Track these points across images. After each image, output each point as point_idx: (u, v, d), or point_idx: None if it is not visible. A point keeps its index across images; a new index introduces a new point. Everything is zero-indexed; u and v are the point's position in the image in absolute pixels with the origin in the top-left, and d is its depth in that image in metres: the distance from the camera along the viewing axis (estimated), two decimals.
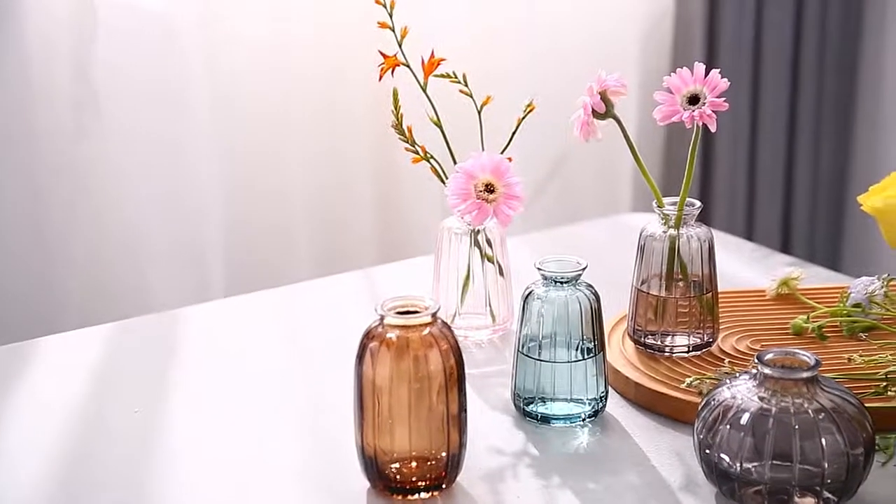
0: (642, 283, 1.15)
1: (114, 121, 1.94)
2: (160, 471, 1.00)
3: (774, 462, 0.89)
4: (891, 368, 1.06)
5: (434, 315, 0.93)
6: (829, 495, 0.90)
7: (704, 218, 2.48)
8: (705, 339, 1.15)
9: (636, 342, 1.16)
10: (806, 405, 0.90)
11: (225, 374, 1.19)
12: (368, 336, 0.93)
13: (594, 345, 1.05)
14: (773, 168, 2.56)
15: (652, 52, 2.38)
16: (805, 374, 0.90)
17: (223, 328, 1.32)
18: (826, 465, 0.89)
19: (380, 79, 1.19)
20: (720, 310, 1.19)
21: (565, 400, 1.05)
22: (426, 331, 0.92)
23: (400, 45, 1.19)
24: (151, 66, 1.96)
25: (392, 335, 0.92)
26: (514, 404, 1.08)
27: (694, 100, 1.08)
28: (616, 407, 1.09)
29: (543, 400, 1.06)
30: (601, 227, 1.72)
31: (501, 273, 1.24)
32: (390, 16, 1.18)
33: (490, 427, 1.06)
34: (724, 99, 1.07)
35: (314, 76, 2.08)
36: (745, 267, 1.49)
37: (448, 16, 2.15)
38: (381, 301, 0.94)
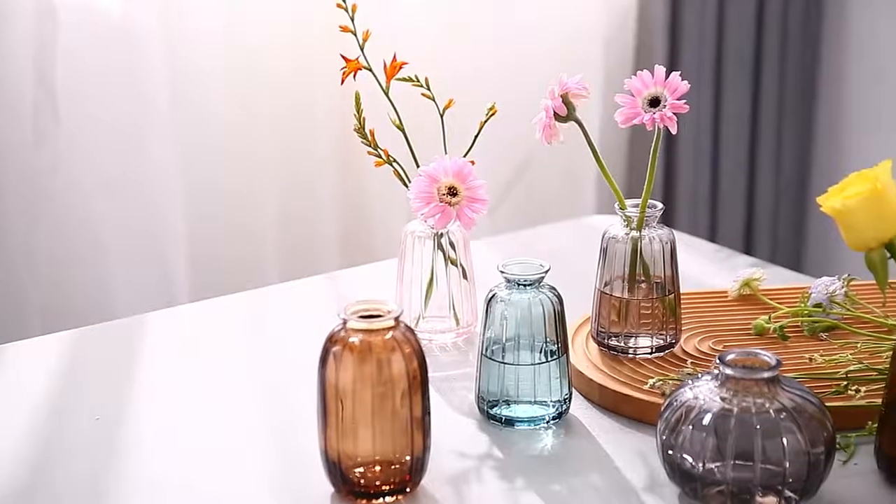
0: (605, 285, 1.15)
1: (74, 124, 1.93)
2: (122, 478, 0.99)
3: (736, 462, 0.90)
4: (851, 368, 1.07)
5: (397, 319, 0.93)
6: (791, 494, 0.90)
7: (667, 220, 2.51)
8: (668, 340, 1.15)
9: (600, 344, 1.16)
10: (767, 405, 0.90)
11: (188, 380, 1.19)
12: (331, 340, 0.93)
13: (557, 347, 1.06)
14: (735, 170, 2.58)
15: (615, 55, 2.39)
16: (766, 375, 0.91)
17: (187, 333, 1.32)
18: (787, 465, 0.89)
19: (342, 82, 1.19)
20: (683, 311, 1.19)
21: (529, 402, 1.06)
22: (389, 334, 0.92)
23: (362, 49, 1.19)
24: (112, 69, 1.95)
25: (355, 339, 0.92)
26: (479, 407, 1.08)
27: (655, 102, 1.09)
28: (580, 409, 1.09)
29: (507, 402, 1.06)
30: (565, 229, 1.73)
31: (465, 276, 1.24)
32: (352, 19, 1.18)
33: (454, 430, 1.06)
34: (684, 101, 1.08)
35: (278, 80, 2.08)
36: (707, 268, 1.50)
37: (411, 19, 2.15)
38: (344, 305, 0.94)
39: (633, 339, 1.15)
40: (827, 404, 0.95)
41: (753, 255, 2.50)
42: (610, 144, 2.41)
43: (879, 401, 0.98)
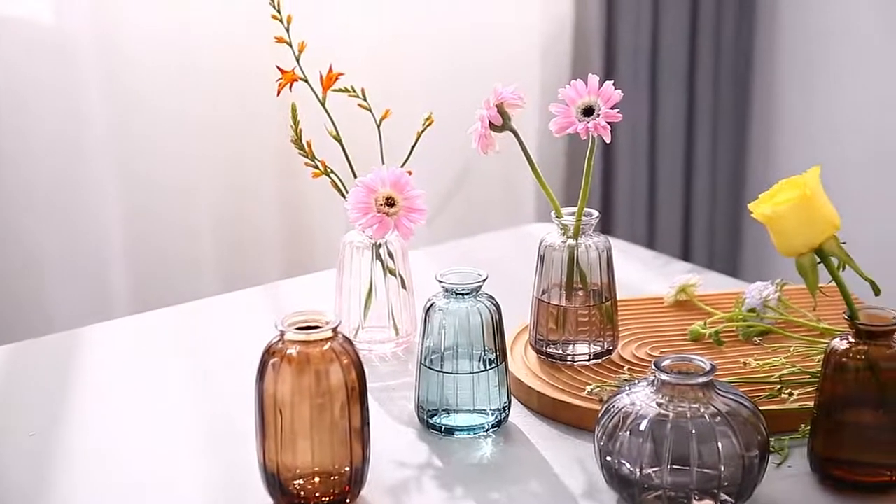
0: (543, 293, 1.16)
1: (6, 136, 1.90)
2: (58, 494, 0.98)
3: (673, 467, 0.91)
4: (784, 371, 1.09)
5: (335, 330, 0.93)
6: (727, 497, 0.92)
7: (606, 227, 2.53)
8: (606, 346, 1.16)
9: (538, 352, 1.17)
10: (702, 409, 0.92)
11: (125, 394, 1.17)
12: (269, 352, 0.93)
13: (496, 355, 1.06)
14: (672, 177, 2.61)
15: (552, 65, 2.41)
16: (701, 380, 0.92)
17: (124, 347, 1.31)
18: (723, 468, 0.90)
19: (277, 94, 1.18)
20: (620, 317, 1.21)
21: (468, 411, 1.06)
22: (327, 346, 0.92)
23: (298, 60, 1.19)
24: (47, 80, 1.93)
25: (292, 351, 0.92)
26: (418, 417, 1.08)
27: (589, 111, 1.10)
28: (519, 417, 1.10)
29: (447, 412, 1.06)
30: (504, 238, 1.74)
31: (404, 286, 1.24)
32: (287, 31, 1.18)
33: (394, 440, 1.06)
34: (618, 110, 1.09)
35: (214, 91, 2.07)
36: (644, 275, 1.51)
37: (348, 31, 2.15)
38: (282, 317, 0.93)
39: (570, 347, 1.15)
40: (761, 408, 0.96)
41: (691, 261, 2.53)
42: (548, 154, 2.42)
43: (812, 403, 0.99)
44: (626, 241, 1.77)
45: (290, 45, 1.18)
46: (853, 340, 0.96)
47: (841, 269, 0.97)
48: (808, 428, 0.99)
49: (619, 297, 1.19)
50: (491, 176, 2.39)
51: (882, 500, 0.95)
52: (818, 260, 0.96)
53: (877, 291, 0.97)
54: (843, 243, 0.97)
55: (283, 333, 0.93)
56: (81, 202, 1.99)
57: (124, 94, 2.00)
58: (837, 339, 0.97)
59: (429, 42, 2.26)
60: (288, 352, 0.92)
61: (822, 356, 0.98)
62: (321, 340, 0.92)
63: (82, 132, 1.96)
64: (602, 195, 2.55)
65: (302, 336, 0.92)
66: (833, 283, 0.98)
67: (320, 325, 0.93)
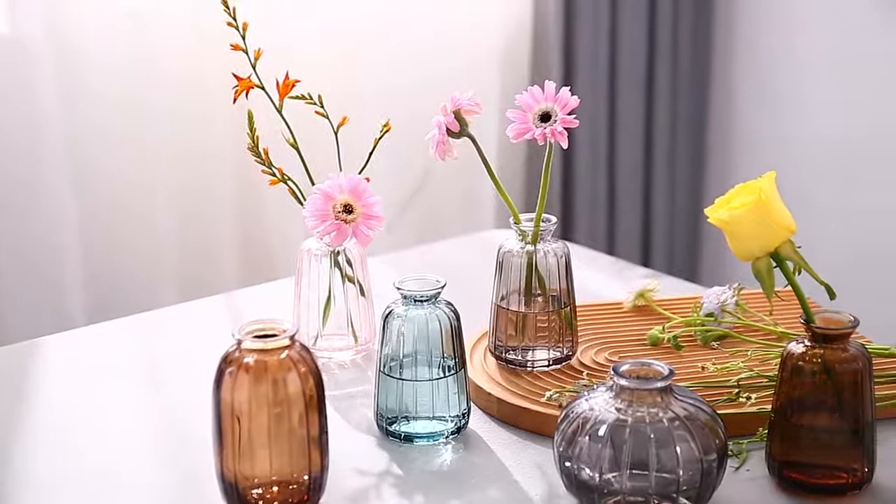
0: (502, 300, 1.16)
1: None
2: None
3: (633, 471, 0.91)
4: (742, 375, 1.09)
5: (292, 338, 0.92)
6: (686, 501, 0.92)
7: (566, 233, 2.54)
8: (565, 352, 1.16)
9: (497, 358, 1.17)
10: (661, 414, 0.92)
11: (83, 405, 1.16)
12: (226, 361, 0.92)
13: (455, 362, 1.06)
14: (631, 183, 2.62)
15: (511, 72, 2.41)
16: (659, 384, 0.92)
17: (81, 357, 1.29)
18: (681, 473, 0.90)
19: (234, 101, 1.18)
20: (579, 323, 1.21)
21: (428, 418, 1.06)
22: (284, 354, 0.92)
23: (254, 67, 1.18)
24: (1, 86, 1.91)
25: (249, 359, 0.91)
26: (378, 424, 1.08)
27: (546, 117, 1.10)
28: (479, 423, 1.10)
29: (407, 419, 1.06)
30: (464, 244, 1.74)
31: (363, 293, 1.24)
32: (243, 38, 1.18)
33: (353, 448, 1.05)
34: (575, 116, 1.09)
35: (172, 100, 2.05)
36: (604, 280, 1.52)
37: (305, 37, 2.14)
38: (239, 325, 0.93)
39: (530, 353, 1.15)
40: (719, 412, 0.97)
41: (651, 266, 2.54)
42: (508, 160, 2.43)
43: (769, 407, 1.00)
44: (586, 247, 1.78)
45: (245, 52, 1.18)
46: (809, 344, 0.97)
47: (797, 273, 0.98)
48: (766, 431, 1.00)
49: (578, 303, 1.19)
50: (451, 182, 2.39)
51: (838, 502, 0.95)
52: (774, 264, 0.97)
53: (832, 295, 0.97)
54: (799, 247, 0.97)
55: (239, 342, 0.92)
56: (37, 210, 1.97)
57: (80, 102, 1.98)
58: (794, 343, 0.98)
59: (388, 49, 2.26)
60: (245, 360, 0.91)
61: (779, 360, 0.99)
62: (278, 349, 0.92)
63: (37, 138, 1.94)
64: (562, 201, 2.56)
65: (259, 344, 0.91)
66: (789, 287, 0.98)
67: (277, 333, 0.92)
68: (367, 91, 2.20)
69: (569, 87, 1.10)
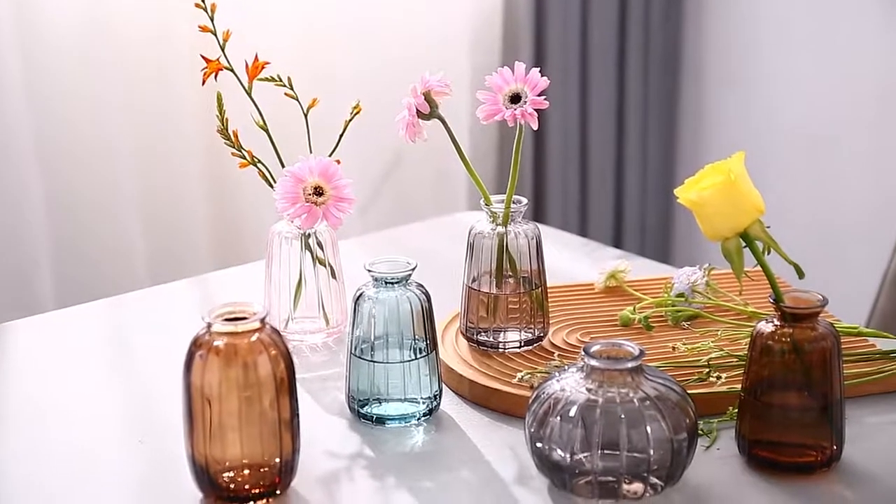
0: (473, 281, 1.16)
1: None
2: None
3: (604, 451, 0.91)
4: (712, 355, 1.10)
5: (262, 321, 0.92)
6: (656, 481, 0.92)
7: (538, 215, 2.54)
8: (536, 333, 1.17)
9: (469, 339, 1.17)
10: (631, 394, 0.92)
11: (53, 389, 1.16)
12: (196, 344, 0.92)
13: (426, 344, 1.06)
14: (603, 165, 2.62)
15: (482, 54, 2.41)
16: (630, 364, 0.93)
17: (51, 341, 1.29)
18: (652, 452, 0.91)
19: (202, 83, 1.17)
20: (551, 304, 1.21)
21: (399, 400, 1.06)
22: (254, 337, 0.91)
23: (223, 49, 1.17)
24: None
25: (219, 342, 0.91)
26: (349, 407, 1.08)
27: (516, 98, 1.10)
28: (450, 405, 1.10)
29: (378, 401, 1.06)
30: (435, 226, 1.73)
31: (334, 276, 1.23)
32: (211, 19, 1.17)
33: (325, 431, 1.05)
34: (545, 97, 1.09)
35: (141, 78, 2.04)
36: (575, 261, 1.52)
37: (275, 19, 2.13)
38: (209, 308, 0.92)
39: (501, 334, 1.16)
40: (690, 391, 0.97)
41: (623, 247, 2.55)
42: (480, 142, 2.42)
43: (739, 387, 1.00)
44: (558, 229, 1.78)
45: (214, 33, 1.17)
46: (779, 323, 0.97)
47: (766, 253, 0.98)
48: (736, 410, 1.00)
49: (549, 284, 1.19)
50: (423, 164, 2.38)
51: (808, 480, 0.96)
52: (744, 244, 0.97)
53: (801, 274, 0.98)
54: (768, 227, 0.98)
55: (209, 325, 0.91)
56: (2, 194, 1.95)
57: (46, 85, 1.96)
58: (763, 323, 0.98)
59: (359, 30, 2.25)
60: (215, 343, 0.91)
61: (749, 339, 0.99)
62: (248, 332, 0.91)
63: (2, 124, 1.92)
64: (534, 183, 2.56)
65: (229, 327, 0.91)
66: (759, 268, 0.98)
67: (247, 316, 0.92)
68: (338, 73, 2.19)
69: (539, 69, 1.10)
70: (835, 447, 0.97)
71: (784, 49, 2.49)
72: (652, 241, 2.73)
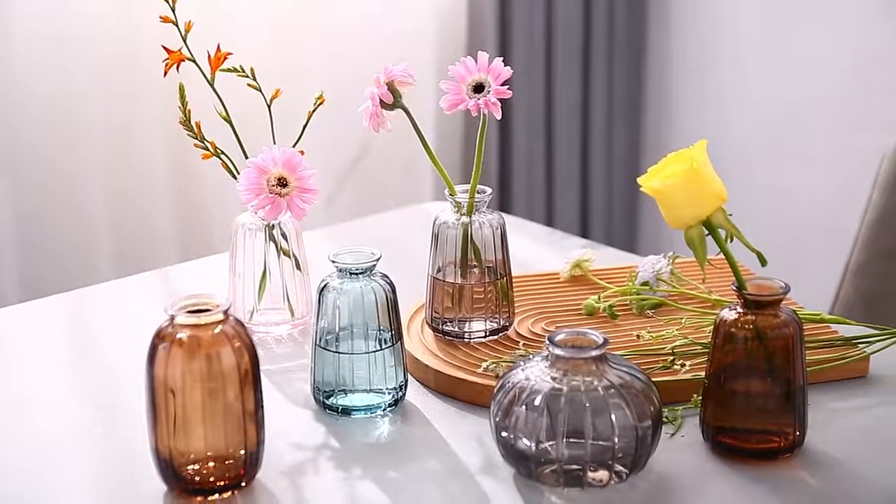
0: (438, 271, 1.16)
1: None
2: None
3: (569, 440, 0.92)
4: (677, 343, 1.10)
5: (226, 313, 0.92)
6: (621, 468, 0.93)
7: (505, 206, 2.54)
8: (502, 323, 1.17)
9: (434, 330, 1.17)
10: (596, 383, 0.92)
11: (16, 382, 1.15)
12: (159, 336, 0.91)
13: (391, 334, 1.06)
14: (568, 155, 2.63)
15: (448, 45, 2.41)
16: (594, 353, 0.93)
17: (14, 335, 1.28)
18: (617, 440, 0.91)
19: (164, 74, 1.16)
20: (516, 294, 1.21)
21: (365, 391, 1.06)
22: (218, 329, 0.91)
23: (184, 40, 1.17)
24: None
25: (182, 335, 0.90)
26: (315, 398, 1.08)
27: (479, 88, 1.10)
28: (416, 395, 1.10)
29: (344, 392, 1.06)
30: (401, 217, 1.73)
31: (299, 267, 1.23)
32: (173, 9, 1.16)
33: (291, 422, 1.05)
34: (508, 87, 1.09)
35: (103, 74, 2.02)
36: (540, 251, 1.52)
37: (239, 9, 2.12)
38: (172, 300, 0.92)
39: (467, 324, 1.16)
40: (654, 379, 0.98)
41: (590, 237, 2.55)
42: (446, 132, 2.42)
43: (703, 374, 1.01)
44: (525, 219, 1.78)
45: (176, 24, 1.16)
46: (741, 311, 0.97)
47: (729, 241, 0.98)
48: (700, 398, 1.01)
49: (515, 274, 1.19)
50: (390, 155, 2.38)
51: (771, 466, 0.97)
52: (706, 232, 0.98)
53: (763, 262, 0.98)
54: (731, 215, 0.98)
55: (173, 317, 0.91)
56: None
57: (9, 78, 1.94)
58: (726, 310, 0.99)
59: (325, 21, 2.24)
60: (178, 336, 0.90)
61: (712, 327, 1.00)
62: (212, 324, 0.91)
63: None
64: (500, 173, 2.56)
65: (192, 319, 0.90)
66: (722, 256, 0.99)
67: (211, 308, 0.91)
68: (303, 64, 2.19)
69: (504, 60, 1.10)
70: (798, 433, 0.98)
71: (748, 38, 2.50)
72: (618, 230, 2.74)
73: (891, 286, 1.64)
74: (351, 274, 1.05)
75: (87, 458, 1.00)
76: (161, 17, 1.16)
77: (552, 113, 2.58)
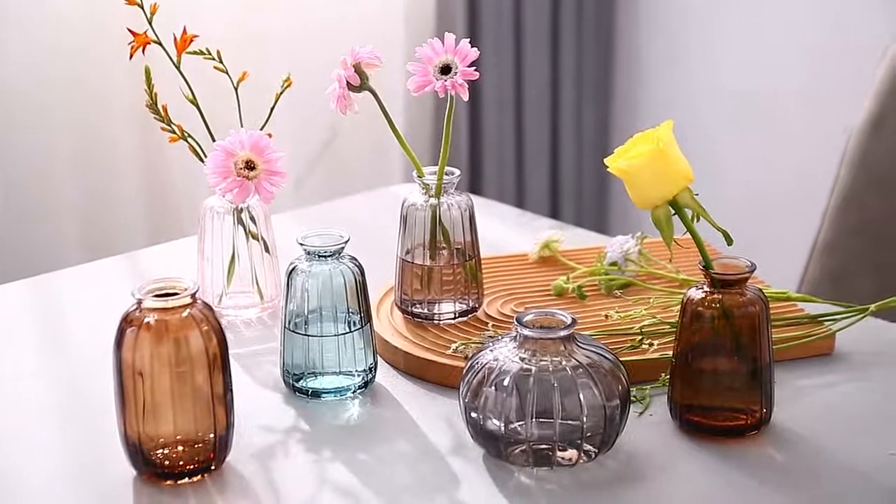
0: (407, 253, 1.16)
1: None
2: None
3: (538, 420, 0.92)
4: (645, 323, 1.11)
5: (193, 296, 0.91)
6: (590, 447, 0.93)
7: (475, 188, 2.54)
8: (471, 304, 1.17)
9: (404, 312, 1.17)
10: (564, 363, 0.93)
11: None
12: (126, 321, 0.91)
13: (360, 317, 1.06)
14: (538, 136, 2.63)
15: (416, 26, 2.40)
16: (562, 333, 0.93)
17: None
18: (585, 419, 0.92)
19: (130, 57, 1.16)
20: (485, 275, 1.21)
21: (335, 373, 1.06)
22: (186, 313, 0.91)
23: (150, 22, 1.16)
24: None
25: (150, 319, 0.90)
26: (284, 381, 1.08)
27: (446, 70, 1.10)
28: (386, 377, 1.10)
29: (314, 374, 1.06)
30: (370, 199, 1.73)
31: (267, 250, 1.23)
32: None
33: (260, 405, 1.05)
34: (475, 68, 1.09)
35: (70, 58, 2.01)
36: (510, 233, 1.52)
37: None
38: (139, 284, 0.92)
39: (436, 306, 1.16)
40: (623, 359, 0.98)
41: (560, 218, 2.56)
42: (415, 114, 2.42)
43: (671, 353, 1.01)
44: (495, 201, 1.78)
45: (141, 6, 1.15)
46: (708, 290, 0.98)
47: (695, 221, 0.99)
48: (668, 377, 1.01)
49: (484, 255, 1.20)
50: (359, 137, 2.37)
51: (738, 443, 0.98)
52: (673, 212, 0.98)
53: (729, 241, 0.99)
54: (697, 195, 0.98)
55: (140, 301, 0.91)
56: None
57: None
58: (693, 289, 0.99)
59: (291, 3, 2.23)
60: (146, 320, 0.90)
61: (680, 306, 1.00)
62: (180, 307, 0.91)
63: None
64: (470, 155, 2.56)
65: (160, 303, 0.90)
66: (689, 235, 0.99)
67: (179, 292, 0.91)
68: (271, 47, 2.18)
69: (472, 41, 1.10)
70: (764, 410, 0.99)
71: (716, 18, 2.51)
72: (588, 211, 2.75)
73: (857, 264, 1.65)
74: (319, 256, 1.05)
75: (54, 443, 1.00)
76: (126, 0, 1.15)
77: (521, 94, 2.58)
